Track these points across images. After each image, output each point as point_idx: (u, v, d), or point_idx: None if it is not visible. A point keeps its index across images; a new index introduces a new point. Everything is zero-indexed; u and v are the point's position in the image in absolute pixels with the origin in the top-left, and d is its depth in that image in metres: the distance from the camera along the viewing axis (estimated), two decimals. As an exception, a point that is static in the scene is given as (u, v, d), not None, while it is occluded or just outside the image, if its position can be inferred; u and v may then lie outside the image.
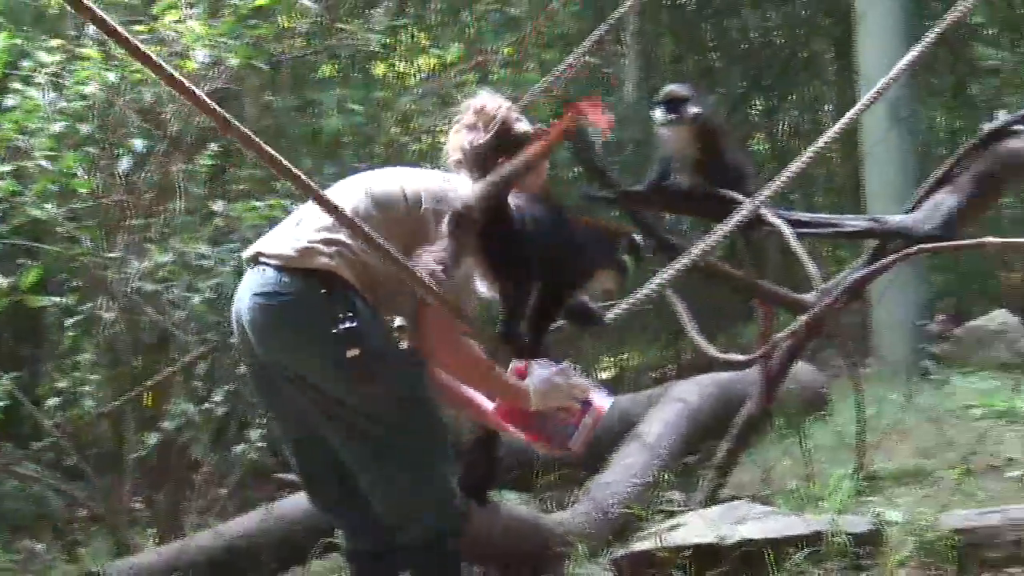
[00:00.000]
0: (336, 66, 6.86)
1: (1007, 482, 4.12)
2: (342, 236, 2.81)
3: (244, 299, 2.87)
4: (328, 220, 2.80)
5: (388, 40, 6.59)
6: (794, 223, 4.47)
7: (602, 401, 2.98)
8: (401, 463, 2.84)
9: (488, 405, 3.06)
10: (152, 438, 4.93)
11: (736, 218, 3.73)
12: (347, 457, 2.89)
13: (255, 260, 2.88)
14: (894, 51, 5.88)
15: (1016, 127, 4.51)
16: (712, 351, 4.65)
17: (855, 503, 3.84)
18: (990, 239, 3.69)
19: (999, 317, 7.39)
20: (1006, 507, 3.29)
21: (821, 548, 3.26)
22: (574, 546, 4.10)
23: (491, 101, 3.01)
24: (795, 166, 3.83)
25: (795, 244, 4.33)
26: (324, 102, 6.03)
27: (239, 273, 3.52)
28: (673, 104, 4.48)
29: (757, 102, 11.42)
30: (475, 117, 2.98)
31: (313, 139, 6.06)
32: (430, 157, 5.15)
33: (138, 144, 4.99)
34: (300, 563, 4.25)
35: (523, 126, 2.99)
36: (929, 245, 4.31)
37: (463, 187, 2.84)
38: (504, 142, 2.92)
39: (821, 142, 3.93)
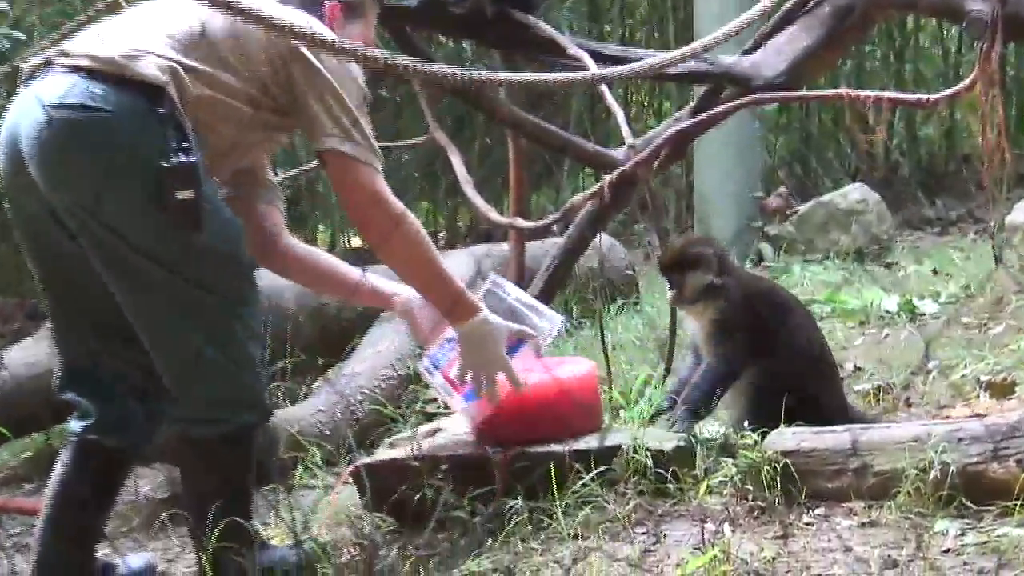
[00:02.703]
0: None
1: (853, 396, 4.30)
2: (186, 58, 2.85)
3: (25, 115, 2.82)
4: (172, 31, 2.82)
5: None
6: (603, 58, 4.51)
7: (468, 410, 3.40)
8: (210, 335, 2.93)
9: (354, 276, 3.34)
10: None
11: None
12: (142, 325, 2.94)
13: (44, 68, 2.81)
14: None
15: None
16: (493, 214, 4.80)
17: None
18: (846, 90, 3.83)
19: (854, 192, 7.73)
20: (849, 427, 3.40)
21: (616, 467, 3.37)
22: (307, 450, 4.20)
23: None
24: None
25: (603, 86, 4.45)
26: None
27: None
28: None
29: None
30: None
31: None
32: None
33: None
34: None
35: None
36: (769, 94, 4.45)
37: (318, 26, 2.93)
38: None
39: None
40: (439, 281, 3.23)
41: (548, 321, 3.48)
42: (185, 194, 2.79)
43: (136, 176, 2.81)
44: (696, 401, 3.64)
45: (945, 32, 10.53)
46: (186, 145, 2.81)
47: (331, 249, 9.36)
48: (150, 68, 2.84)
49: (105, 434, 3.12)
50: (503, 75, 3.40)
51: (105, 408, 3.12)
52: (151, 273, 2.89)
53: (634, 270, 6.46)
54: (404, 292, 3.49)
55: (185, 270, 2.90)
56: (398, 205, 3.13)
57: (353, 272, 3.51)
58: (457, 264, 5.52)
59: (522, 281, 4.89)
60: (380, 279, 3.57)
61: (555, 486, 3.34)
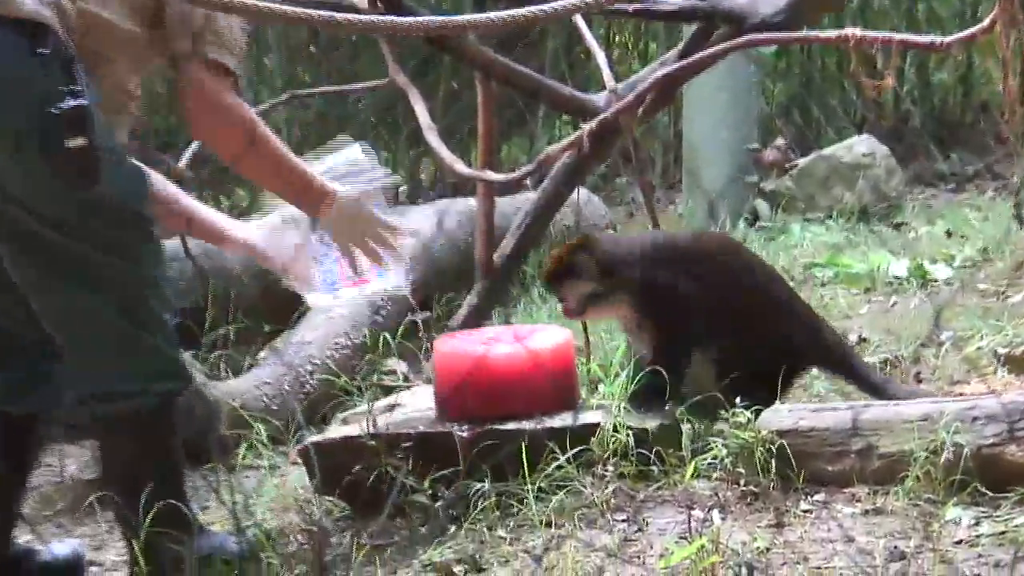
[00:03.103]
0: None
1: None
2: None
3: None
4: None
5: None
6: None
7: (388, 280, 3.39)
8: (114, 302, 2.92)
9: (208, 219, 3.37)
10: None
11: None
12: (35, 295, 2.92)
13: None
14: None
15: None
16: (460, 166, 4.78)
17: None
18: (852, 31, 3.82)
19: (859, 145, 7.71)
20: (851, 403, 3.44)
21: (593, 447, 3.41)
22: (251, 427, 4.19)
23: None
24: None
25: (581, 24, 4.43)
26: None
27: None
28: None
29: None
30: None
31: None
32: None
33: None
34: None
35: None
36: (766, 35, 4.44)
37: None
38: None
39: None
40: (299, 178, 3.26)
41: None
42: (77, 142, 2.74)
43: (20, 125, 2.76)
44: (649, 402, 3.64)
45: (962, -33, 10.53)
46: (76, 88, 2.76)
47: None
48: (28, 2, 2.78)
49: (5, 400, 3.09)
50: (476, 17, 3.38)
51: (2, 371, 3.10)
52: (42, 235, 2.84)
53: (615, 229, 6.46)
54: (240, 231, 3.49)
55: (82, 231, 2.86)
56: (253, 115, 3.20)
57: (189, 201, 3.52)
58: (419, 220, 5.52)
59: (492, 235, 4.88)
60: (215, 213, 3.60)
61: (526, 467, 3.35)
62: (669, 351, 3.72)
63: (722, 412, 3.52)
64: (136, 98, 3.13)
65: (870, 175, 7.56)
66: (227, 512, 3.52)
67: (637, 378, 3.69)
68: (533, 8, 3.06)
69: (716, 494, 3.29)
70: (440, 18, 3.52)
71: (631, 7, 4.65)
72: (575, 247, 3.81)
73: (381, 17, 3.03)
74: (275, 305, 5.23)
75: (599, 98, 4.76)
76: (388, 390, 4.46)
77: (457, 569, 3.11)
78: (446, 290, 5.45)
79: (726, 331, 3.68)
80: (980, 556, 2.83)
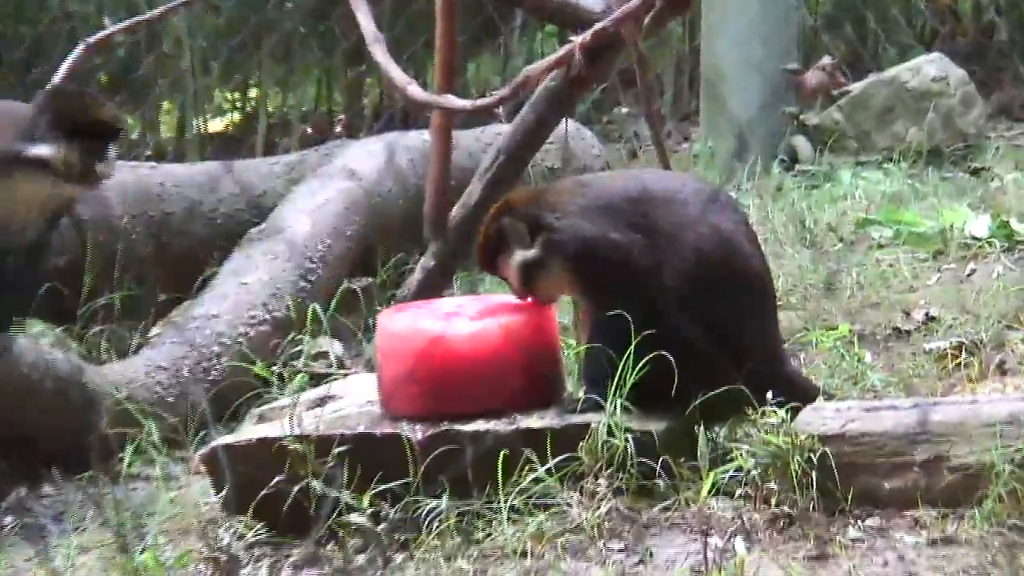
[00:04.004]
0: None
1: (922, 357, 4.36)
2: None
3: None
4: None
5: None
6: None
7: None
8: None
9: None
10: None
11: None
12: None
13: None
14: None
15: None
16: (413, 89, 4.74)
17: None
18: None
19: (929, 66, 7.74)
20: (917, 400, 3.43)
21: (583, 455, 3.39)
22: (141, 425, 4.17)
23: None
24: None
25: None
26: None
27: None
28: None
29: None
30: None
31: None
32: None
33: None
34: None
35: None
36: None
37: None
38: None
39: None
40: None
41: None
42: None
43: None
44: (593, 383, 3.63)
45: None
46: None
47: (180, 134, 9.30)
48: None
49: None
50: None
51: None
52: None
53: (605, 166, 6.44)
54: None
55: None
56: None
57: None
58: (359, 158, 5.50)
59: (447, 182, 4.86)
60: None
61: (496, 480, 3.34)
62: (599, 329, 3.68)
63: (748, 411, 3.51)
64: None
65: (941, 106, 7.59)
66: (109, 534, 3.51)
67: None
68: None
69: (739, 516, 3.29)
70: None
71: None
72: (497, 211, 3.79)
73: None
74: (174, 268, 5.21)
75: (594, 2, 4.73)
76: (318, 378, 4.45)
77: (405, 611, 3.13)
78: (394, 249, 5.43)
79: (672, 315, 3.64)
80: (1080, 599, 2.84)
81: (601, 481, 3.40)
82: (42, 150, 3.93)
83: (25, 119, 4.01)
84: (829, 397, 3.63)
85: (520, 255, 3.70)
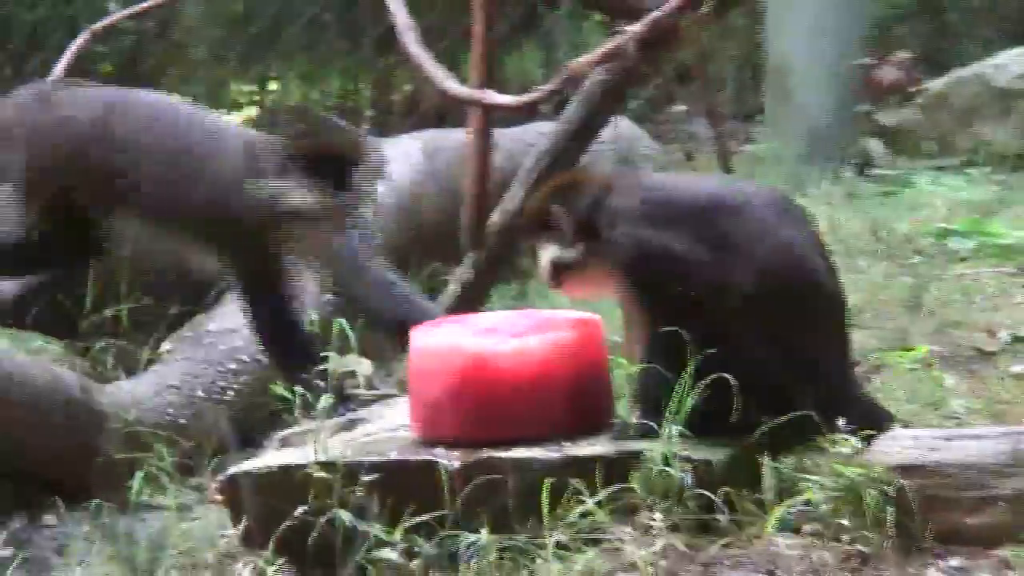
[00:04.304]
0: None
1: (1008, 381, 4.35)
2: None
3: None
4: None
5: None
6: None
7: None
8: None
9: None
10: None
11: None
12: None
13: None
14: None
15: None
16: (450, 83, 4.76)
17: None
18: None
19: (1014, 63, 7.74)
20: (1008, 428, 3.40)
21: (635, 486, 3.37)
22: (151, 449, 4.17)
23: None
24: None
25: None
26: None
27: None
28: None
29: None
30: None
31: None
32: None
33: None
34: None
35: None
36: None
37: None
38: None
39: None
40: None
41: None
42: None
43: None
44: (647, 407, 3.63)
45: None
46: None
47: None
48: None
49: None
50: None
51: None
52: None
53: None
54: None
55: None
56: None
57: None
58: (396, 158, 5.51)
59: (485, 185, 4.86)
60: None
61: (541, 513, 3.33)
62: (655, 347, 3.67)
63: (817, 439, 3.50)
64: None
65: (1025, 105, 7.56)
66: (117, 569, 3.52)
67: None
68: None
69: (808, 555, 3.27)
70: None
71: None
72: (551, 192, 3.79)
73: None
74: (188, 279, 5.22)
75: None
76: (346, 400, 4.44)
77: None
78: (430, 257, 5.43)
79: (736, 333, 3.63)
80: None
81: (656, 515, 3.38)
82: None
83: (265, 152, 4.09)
84: (906, 424, 3.61)
85: (554, 252, 3.70)
